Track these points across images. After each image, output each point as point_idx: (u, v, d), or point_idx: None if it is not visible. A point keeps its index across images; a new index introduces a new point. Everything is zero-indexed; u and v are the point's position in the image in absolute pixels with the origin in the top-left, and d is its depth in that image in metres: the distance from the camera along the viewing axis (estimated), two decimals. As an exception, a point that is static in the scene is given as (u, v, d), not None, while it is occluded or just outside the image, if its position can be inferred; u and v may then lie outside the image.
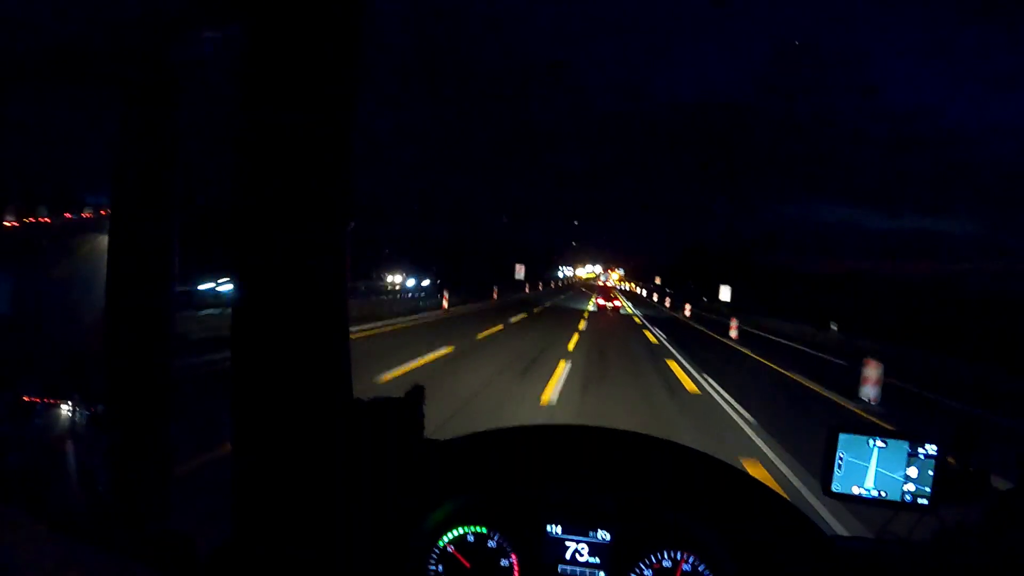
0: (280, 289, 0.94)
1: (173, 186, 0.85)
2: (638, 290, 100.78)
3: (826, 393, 12.21)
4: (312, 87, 0.92)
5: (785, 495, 1.15)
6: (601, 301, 42.20)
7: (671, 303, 44.71)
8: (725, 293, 44.68)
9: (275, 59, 0.91)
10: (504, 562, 1.18)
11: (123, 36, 0.91)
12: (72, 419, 0.90)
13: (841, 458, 1.36)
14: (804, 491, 5.94)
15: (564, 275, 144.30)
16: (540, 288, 54.39)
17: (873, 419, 10.01)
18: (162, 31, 0.88)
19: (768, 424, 8.35)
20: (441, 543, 1.19)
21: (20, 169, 0.98)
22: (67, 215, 0.88)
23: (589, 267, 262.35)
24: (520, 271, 48.09)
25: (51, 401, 0.91)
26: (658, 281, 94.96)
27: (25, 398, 0.93)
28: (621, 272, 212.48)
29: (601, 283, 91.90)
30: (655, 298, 62.84)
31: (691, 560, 1.14)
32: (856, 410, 10.77)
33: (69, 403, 0.90)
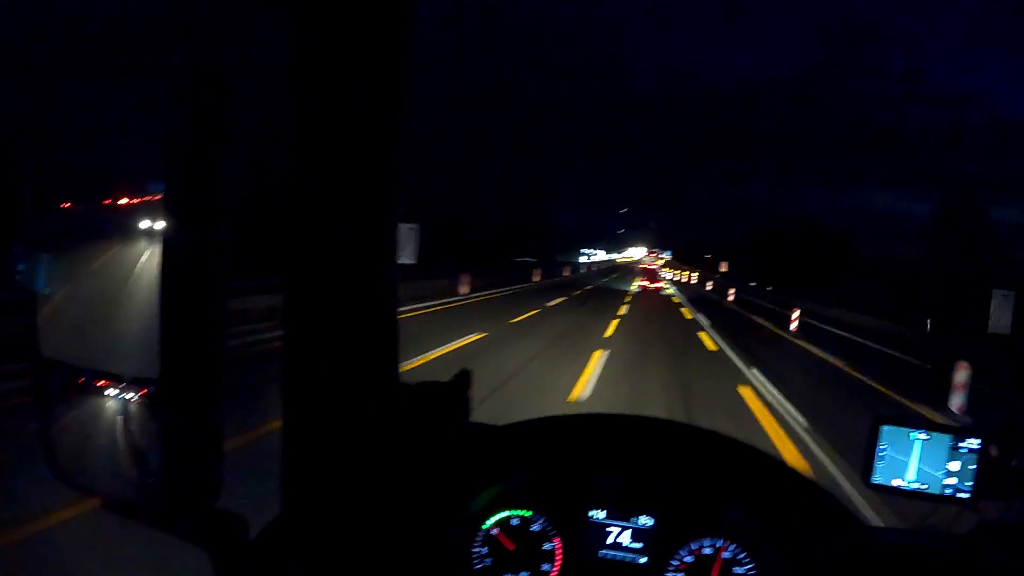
0: (331, 273, 0.96)
1: (224, 170, 0.86)
2: (694, 280, 71.72)
3: (912, 405, 11.44)
4: (362, 72, 0.93)
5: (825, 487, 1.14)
6: (645, 283, 46.67)
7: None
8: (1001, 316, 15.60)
9: (326, 45, 0.92)
10: (547, 546, 1.19)
11: (174, 25, 0.93)
12: (124, 400, 0.91)
13: (883, 450, 1.36)
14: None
15: (589, 259, 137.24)
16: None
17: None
18: (213, 21, 0.89)
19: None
20: (485, 526, 1.20)
21: (79, 155, 0.99)
22: (127, 200, 0.90)
23: (630, 251, 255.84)
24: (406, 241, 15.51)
25: (103, 383, 0.92)
26: (724, 268, 68.54)
27: (80, 379, 0.95)
28: (668, 256, 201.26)
29: (644, 265, 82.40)
30: (730, 298, 39.92)
31: (732, 548, 1.14)
32: (940, 420, 9.67)
33: (121, 384, 0.91)
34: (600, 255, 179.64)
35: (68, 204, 0.98)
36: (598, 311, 23.83)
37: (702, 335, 18.85)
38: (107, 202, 0.96)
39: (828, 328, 24.89)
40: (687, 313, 27.46)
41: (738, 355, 14.92)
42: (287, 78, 0.95)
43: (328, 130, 0.94)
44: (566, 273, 61.74)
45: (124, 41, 0.95)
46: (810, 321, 24.98)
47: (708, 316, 25.74)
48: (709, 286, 57.46)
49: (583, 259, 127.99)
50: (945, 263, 40.88)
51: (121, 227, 0.93)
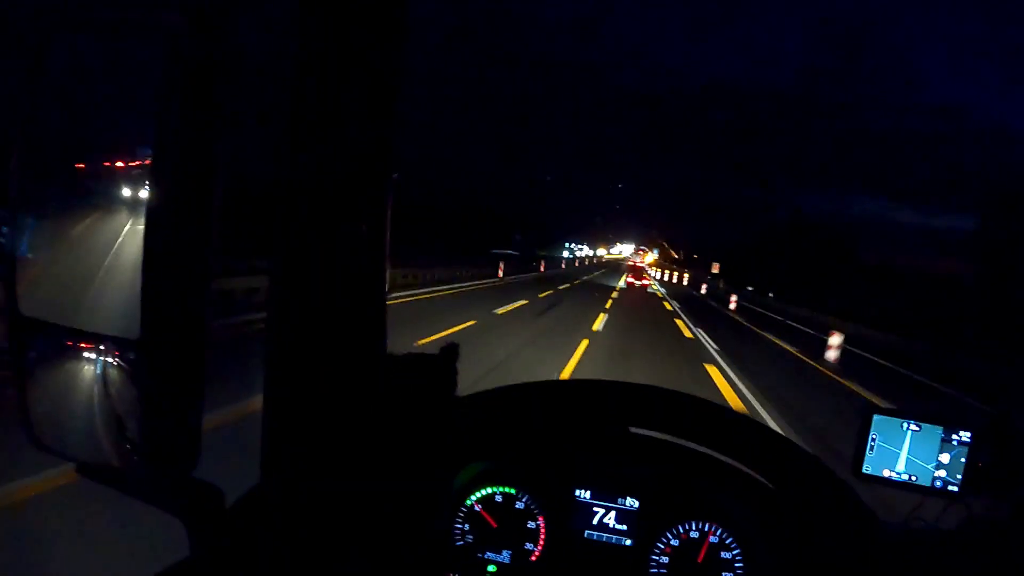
0: (319, 243, 0.94)
1: (217, 133, 0.85)
2: (684, 281, 67.30)
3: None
4: (357, 54, 0.93)
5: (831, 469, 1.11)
6: (631, 279, 46.07)
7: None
8: None
9: (324, 25, 0.92)
10: (531, 524, 1.18)
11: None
12: (103, 363, 0.89)
13: (874, 440, 1.36)
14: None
15: (573, 255, 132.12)
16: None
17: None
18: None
19: None
20: (469, 502, 1.19)
21: (68, 119, 0.97)
22: (118, 163, 0.89)
23: (618, 247, 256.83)
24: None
25: (83, 345, 0.91)
26: (715, 270, 63.83)
27: (59, 340, 0.93)
28: (655, 255, 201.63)
29: (632, 263, 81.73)
30: (731, 305, 34.20)
31: (719, 532, 1.14)
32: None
33: (101, 345, 0.89)
34: (585, 250, 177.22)
35: (82, 165, 0.97)
36: (564, 324, 17.54)
37: (712, 372, 13.02)
38: (107, 164, 0.94)
39: (872, 358, 19.93)
40: (684, 328, 20.68)
41: (780, 420, 9.53)
42: (287, 50, 0.94)
43: (322, 107, 0.93)
44: (541, 268, 53.80)
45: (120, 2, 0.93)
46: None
47: (712, 334, 19.54)
48: (703, 289, 52.17)
49: (565, 253, 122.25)
50: (991, 276, 36.06)
51: (110, 192, 0.91)
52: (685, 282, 67.26)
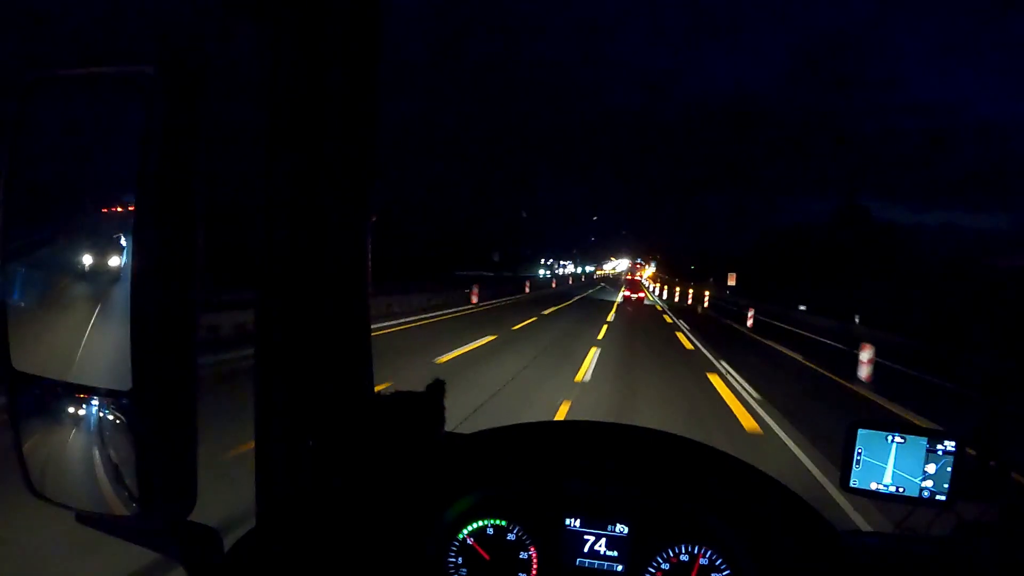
0: (302, 284, 0.95)
1: (198, 179, 0.86)
2: (705, 303, 44.96)
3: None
4: (335, 79, 0.94)
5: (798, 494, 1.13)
6: (628, 293, 44.89)
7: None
8: None
9: (299, 52, 0.93)
10: (523, 555, 1.19)
11: (147, 35, 0.93)
12: (98, 412, 0.91)
13: (859, 454, 1.36)
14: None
15: (553, 273, 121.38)
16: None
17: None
18: (187, 30, 0.89)
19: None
20: (461, 535, 1.20)
21: (51, 166, 0.99)
22: (103, 209, 0.90)
23: (612, 263, 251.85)
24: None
25: (77, 395, 0.92)
26: (732, 281, 48.90)
27: (54, 392, 0.94)
28: (653, 268, 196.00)
29: (628, 277, 78.53)
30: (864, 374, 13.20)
31: (709, 555, 1.15)
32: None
33: (95, 396, 0.90)
34: (569, 267, 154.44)
35: (106, 209, 0.98)
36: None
37: None
38: (105, 210, 0.96)
39: None
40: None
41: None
42: (261, 82, 0.95)
43: (300, 142, 0.94)
44: (473, 299, 31.02)
45: (97, 51, 0.94)
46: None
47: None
48: (749, 320, 28.10)
49: (541, 272, 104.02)
50: None
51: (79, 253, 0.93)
52: (706, 303, 45.63)
